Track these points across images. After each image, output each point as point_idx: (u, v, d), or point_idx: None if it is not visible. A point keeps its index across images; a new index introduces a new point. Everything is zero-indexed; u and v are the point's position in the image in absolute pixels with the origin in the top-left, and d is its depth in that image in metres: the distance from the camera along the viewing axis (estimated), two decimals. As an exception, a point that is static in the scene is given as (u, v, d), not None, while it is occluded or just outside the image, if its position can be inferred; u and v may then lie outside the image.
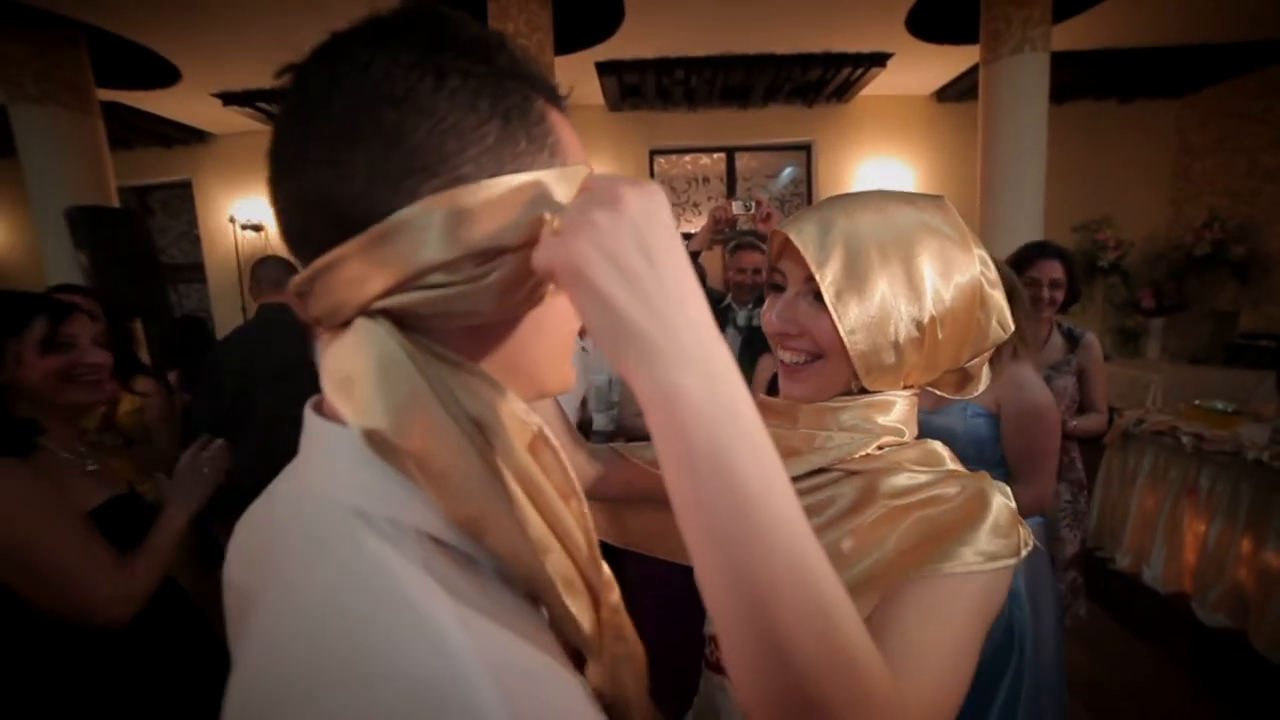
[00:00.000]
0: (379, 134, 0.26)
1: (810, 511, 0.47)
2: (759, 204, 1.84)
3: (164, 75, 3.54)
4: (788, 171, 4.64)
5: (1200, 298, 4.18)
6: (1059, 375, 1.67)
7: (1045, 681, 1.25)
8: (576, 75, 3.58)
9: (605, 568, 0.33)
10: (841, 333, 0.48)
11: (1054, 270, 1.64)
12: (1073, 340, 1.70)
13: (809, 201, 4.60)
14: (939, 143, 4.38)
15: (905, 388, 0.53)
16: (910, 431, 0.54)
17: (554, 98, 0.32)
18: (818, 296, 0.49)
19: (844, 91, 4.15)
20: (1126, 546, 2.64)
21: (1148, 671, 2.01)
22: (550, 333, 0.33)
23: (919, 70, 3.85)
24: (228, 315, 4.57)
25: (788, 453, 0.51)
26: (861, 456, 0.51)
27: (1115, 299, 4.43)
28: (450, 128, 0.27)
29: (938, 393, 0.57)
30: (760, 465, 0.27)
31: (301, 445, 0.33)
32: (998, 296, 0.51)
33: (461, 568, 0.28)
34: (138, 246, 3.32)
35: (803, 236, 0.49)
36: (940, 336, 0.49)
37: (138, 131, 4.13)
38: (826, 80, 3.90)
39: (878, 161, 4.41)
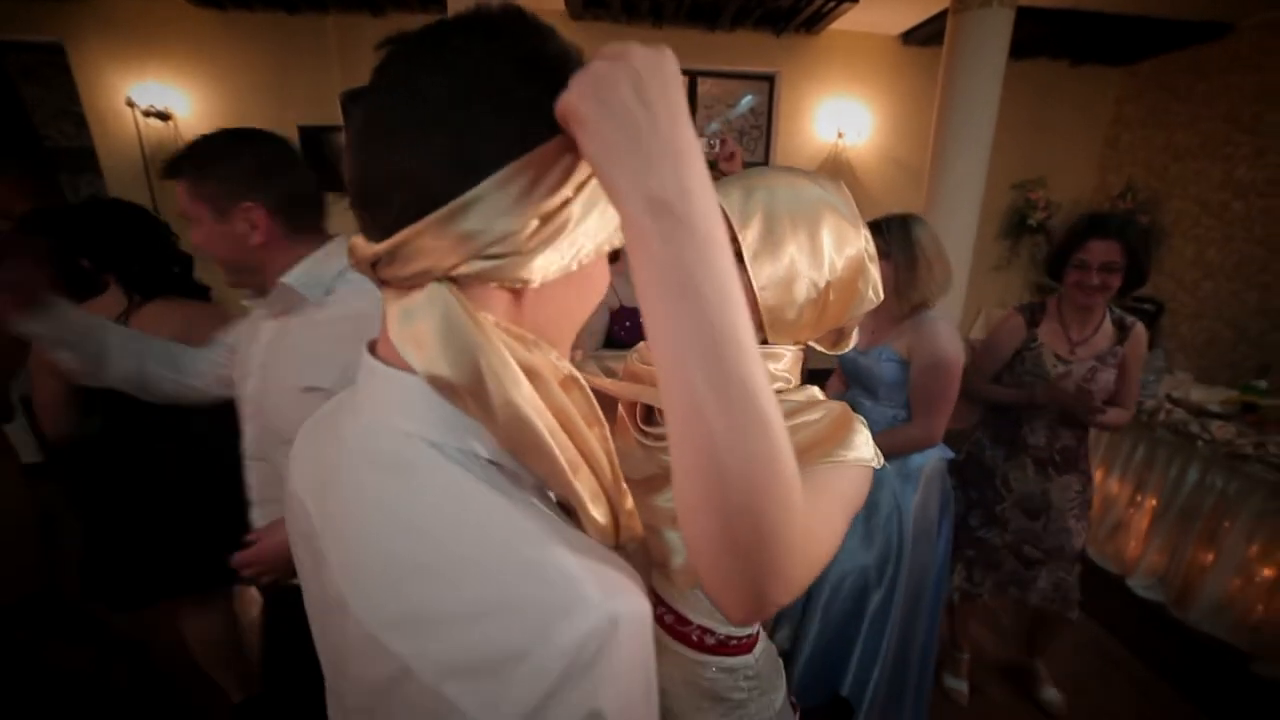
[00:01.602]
0: (471, 124, 0.31)
1: None
2: (723, 142, 1.83)
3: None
4: (746, 100, 4.53)
5: (1106, 261, 4.59)
6: (1104, 367, 1.52)
7: (922, 596, 1.48)
8: (536, -28, 3.25)
9: (622, 480, 0.39)
10: (755, 288, 0.55)
11: (1108, 252, 1.42)
12: (1123, 330, 1.54)
13: (768, 134, 4.55)
14: (900, 86, 4.39)
15: (795, 343, 0.62)
16: (795, 380, 0.63)
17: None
18: (736, 256, 0.55)
19: (814, 23, 4.02)
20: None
21: None
22: (575, 301, 0.40)
23: (889, 9, 3.77)
24: (132, 215, 4.08)
25: None
26: None
27: (1037, 256, 4.78)
28: (528, 122, 0.32)
29: (822, 350, 0.67)
30: (723, 293, 0.29)
31: (360, 385, 0.39)
32: (874, 270, 0.61)
33: (512, 482, 0.35)
34: (12, 124, 2.85)
35: (728, 200, 0.56)
36: (831, 299, 0.58)
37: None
38: (798, 9, 3.76)
39: (839, 100, 4.38)
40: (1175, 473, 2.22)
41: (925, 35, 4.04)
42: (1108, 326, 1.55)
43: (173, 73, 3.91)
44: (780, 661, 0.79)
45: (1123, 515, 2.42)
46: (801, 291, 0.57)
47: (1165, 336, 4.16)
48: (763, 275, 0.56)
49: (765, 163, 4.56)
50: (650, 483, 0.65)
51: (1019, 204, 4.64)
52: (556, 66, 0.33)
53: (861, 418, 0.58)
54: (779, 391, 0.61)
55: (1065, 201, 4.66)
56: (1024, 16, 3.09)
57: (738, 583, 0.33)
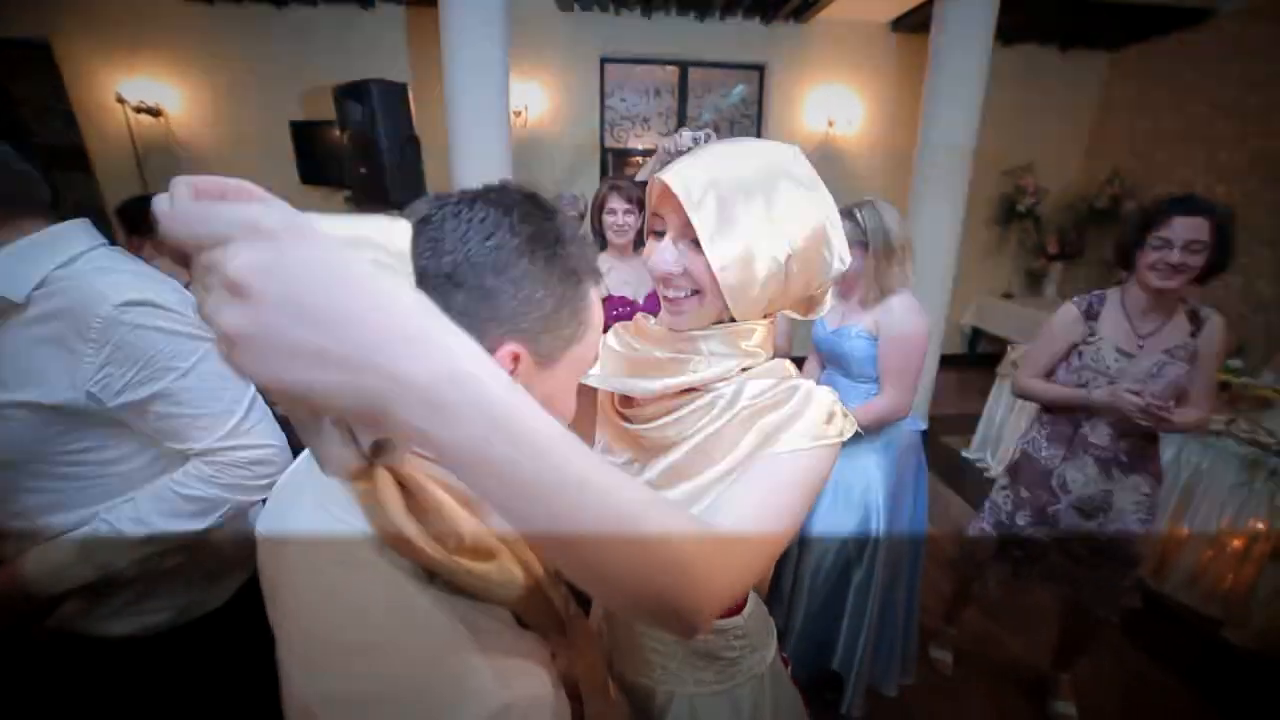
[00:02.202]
0: (479, 289, 0.40)
1: (696, 418, 0.61)
2: (709, 138, 1.87)
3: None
4: (737, 90, 4.55)
5: (1095, 246, 4.64)
6: (1173, 362, 1.37)
7: (901, 564, 1.56)
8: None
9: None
10: (715, 269, 0.56)
11: (1196, 229, 1.27)
12: (1197, 322, 1.39)
13: (758, 123, 4.57)
14: (890, 74, 4.41)
15: (765, 316, 0.63)
16: (767, 353, 0.64)
17: (597, 278, 0.49)
18: (695, 241, 0.56)
19: (803, 11, 4.03)
20: (1000, 457, 3.11)
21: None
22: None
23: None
24: (124, 212, 4.08)
25: (658, 372, 0.63)
26: (727, 378, 0.62)
27: (1026, 242, 4.83)
28: (526, 298, 0.41)
29: (796, 317, 0.69)
30: (519, 445, 0.27)
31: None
32: (837, 237, 0.61)
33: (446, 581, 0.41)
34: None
35: (680, 184, 0.55)
36: (794, 270, 0.58)
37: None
38: (784, 1, 3.77)
39: (829, 88, 4.40)
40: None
41: (914, 23, 4.06)
42: (1180, 318, 1.39)
43: (163, 68, 3.90)
44: (771, 621, 0.83)
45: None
46: (762, 268, 0.56)
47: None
48: (721, 256, 0.55)
49: (757, 152, 4.58)
50: (630, 466, 0.68)
51: (1009, 190, 4.69)
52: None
53: (831, 390, 0.61)
54: (746, 369, 0.62)
55: (1054, 187, 4.71)
56: (1011, 3, 3.12)
57: (667, 625, 0.37)
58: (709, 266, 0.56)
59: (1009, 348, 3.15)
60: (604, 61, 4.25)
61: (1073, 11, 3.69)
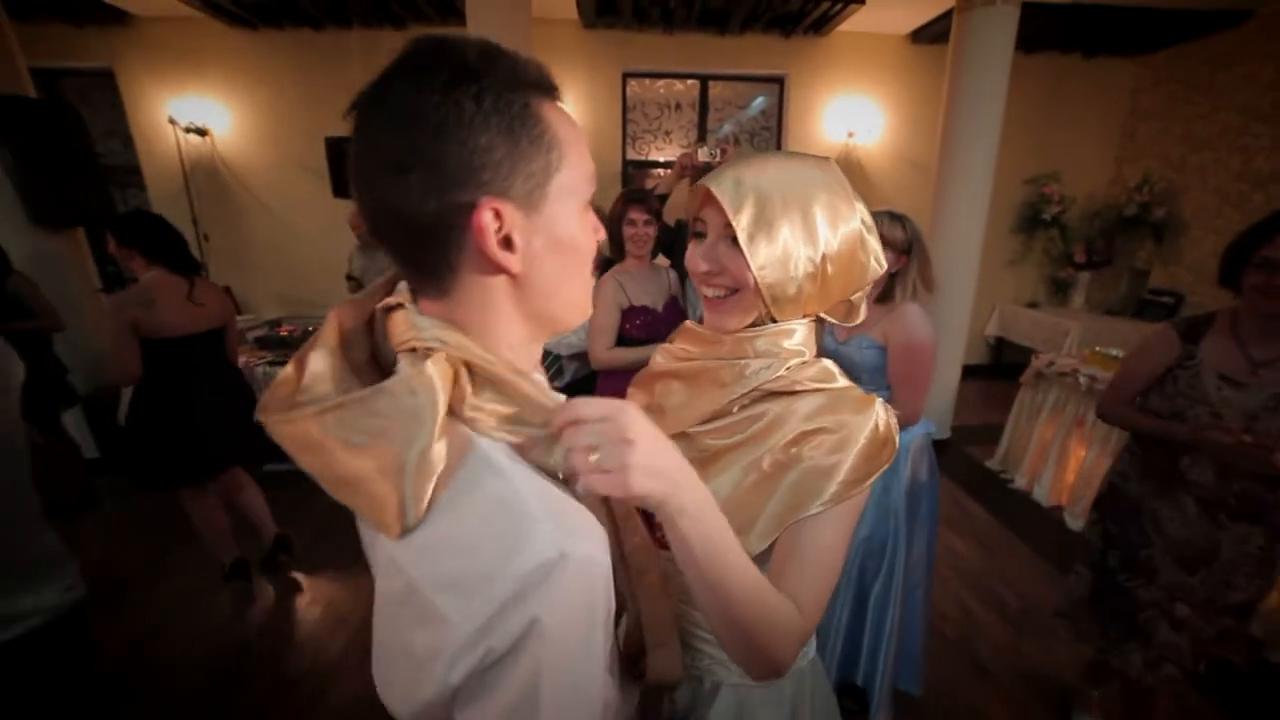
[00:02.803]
0: (425, 161, 0.38)
1: (737, 429, 0.64)
2: (724, 151, 1.93)
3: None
4: (758, 102, 4.60)
5: (1124, 254, 4.54)
6: None
7: (915, 569, 1.56)
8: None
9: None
10: (753, 269, 0.58)
11: None
12: None
13: (778, 134, 4.61)
14: (910, 85, 4.42)
15: (804, 316, 0.64)
16: (810, 352, 0.65)
17: (548, 91, 0.43)
18: (734, 240, 0.59)
19: (821, 25, 4.08)
20: (1025, 469, 3.05)
21: (1022, 564, 2.44)
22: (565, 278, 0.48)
23: (897, 9, 3.81)
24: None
25: (720, 386, 0.64)
26: (774, 379, 0.63)
27: (1052, 251, 4.75)
28: (474, 149, 0.38)
29: (834, 322, 0.70)
30: (719, 551, 0.48)
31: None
32: (874, 240, 0.64)
33: (517, 453, 0.45)
34: (74, 144, 3.06)
35: (721, 189, 0.59)
36: (830, 272, 0.61)
37: (36, 3, 3.65)
38: (806, 11, 3.83)
39: (848, 99, 4.42)
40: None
41: (934, 34, 4.07)
42: None
43: (211, 90, 4.14)
44: None
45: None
46: (799, 267, 0.59)
47: (1186, 329, 4.10)
48: (760, 256, 0.58)
49: (776, 163, 4.62)
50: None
51: (1032, 199, 4.63)
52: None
53: (886, 406, 0.62)
54: (798, 365, 0.64)
55: (1080, 195, 4.63)
56: (1033, 11, 3.12)
57: (754, 668, 0.54)
58: (748, 265, 0.58)
59: (1033, 357, 3.10)
60: (626, 76, 4.36)
61: (1098, 18, 3.66)
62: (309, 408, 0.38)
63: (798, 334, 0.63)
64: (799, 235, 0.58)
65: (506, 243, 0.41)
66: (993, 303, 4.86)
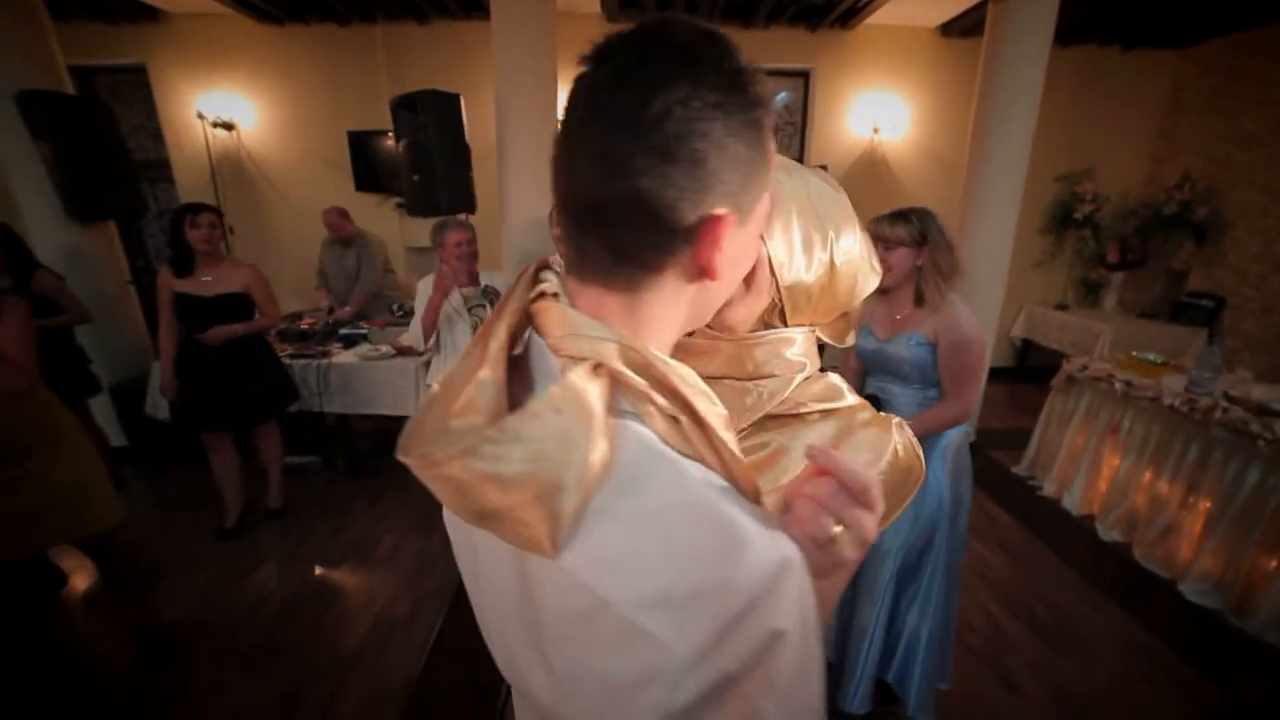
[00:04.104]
0: (690, 159, 0.36)
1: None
2: None
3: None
4: (781, 96, 4.53)
5: (1160, 255, 4.39)
6: None
7: (953, 570, 1.53)
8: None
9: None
10: (774, 264, 0.55)
11: None
12: None
13: (802, 130, 4.53)
14: (939, 78, 4.30)
15: (809, 325, 0.60)
16: (813, 364, 0.60)
17: (770, 106, 0.42)
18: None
19: (849, 18, 3.99)
20: (1054, 476, 2.97)
21: (1051, 575, 2.37)
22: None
23: (927, 1, 3.71)
24: (199, 219, 4.39)
25: (734, 412, 0.57)
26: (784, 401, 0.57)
27: (1083, 251, 4.61)
28: (728, 155, 0.37)
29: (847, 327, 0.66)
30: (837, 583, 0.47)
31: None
32: (870, 248, 0.61)
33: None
34: (108, 141, 3.13)
35: None
36: (840, 273, 0.58)
37: (74, 2, 3.73)
38: (833, 4, 3.74)
39: (875, 94, 4.33)
40: (1233, 474, 2.13)
41: (965, 26, 3.96)
42: None
43: (238, 85, 4.19)
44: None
45: (1174, 518, 2.33)
46: (814, 269, 0.56)
47: (1227, 333, 3.96)
48: (779, 252, 0.55)
49: (801, 160, 4.55)
50: None
51: (1064, 197, 4.49)
52: None
53: (902, 427, 0.57)
54: (803, 381, 0.58)
55: (1114, 194, 4.48)
56: (1071, 1, 3.00)
57: None
58: (768, 260, 0.55)
59: (1064, 361, 3.01)
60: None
61: (1139, 8, 3.52)
62: (451, 448, 0.33)
63: (798, 343, 0.59)
64: (811, 221, 0.56)
65: (722, 251, 0.40)
66: (1019, 304, 4.73)
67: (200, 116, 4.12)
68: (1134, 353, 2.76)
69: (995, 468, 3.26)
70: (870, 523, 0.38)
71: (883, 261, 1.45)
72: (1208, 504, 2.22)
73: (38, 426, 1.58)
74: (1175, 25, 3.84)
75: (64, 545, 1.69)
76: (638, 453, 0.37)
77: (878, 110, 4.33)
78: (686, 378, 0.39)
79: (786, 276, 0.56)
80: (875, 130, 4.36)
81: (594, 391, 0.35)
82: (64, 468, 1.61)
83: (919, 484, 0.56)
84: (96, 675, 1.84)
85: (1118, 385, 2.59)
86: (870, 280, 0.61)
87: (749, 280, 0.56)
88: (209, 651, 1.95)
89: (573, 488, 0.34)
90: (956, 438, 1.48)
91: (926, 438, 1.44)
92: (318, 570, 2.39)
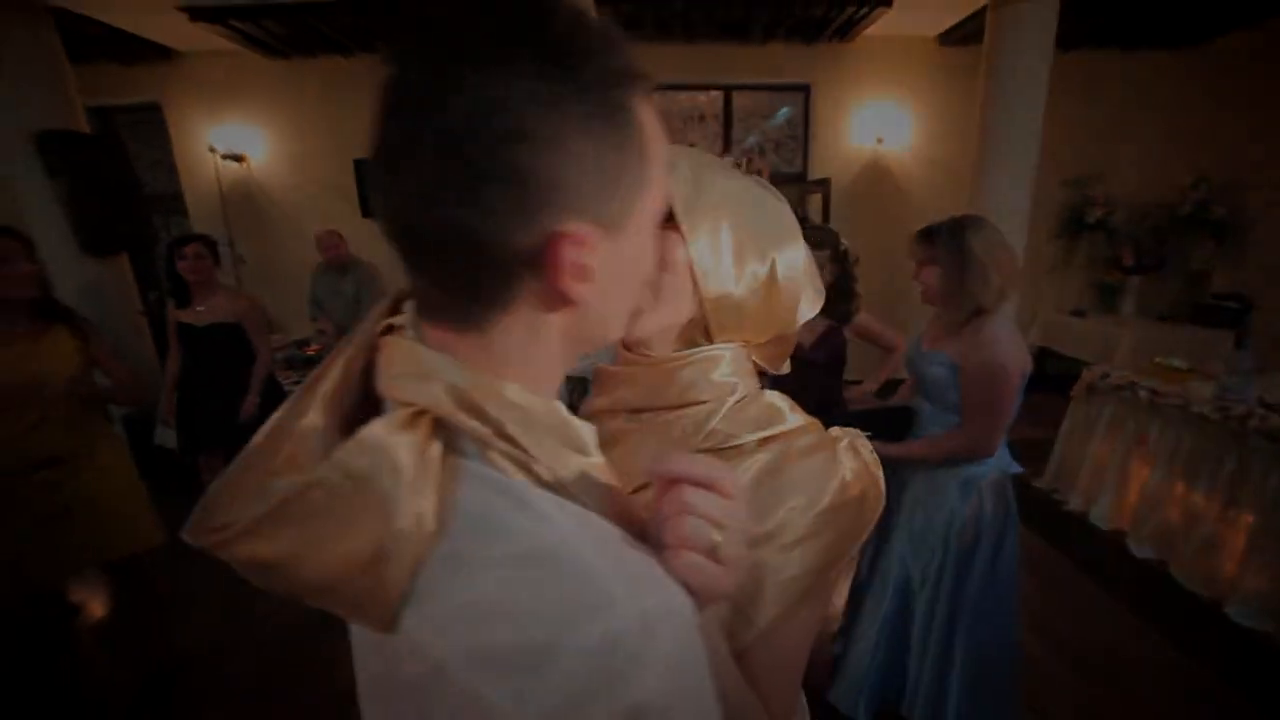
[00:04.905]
0: (504, 173, 0.28)
1: None
2: (749, 161, 1.86)
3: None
4: (783, 112, 4.53)
5: (1178, 257, 4.27)
6: None
7: (991, 619, 1.40)
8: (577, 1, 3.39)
9: None
10: (696, 270, 0.48)
11: None
12: None
13: (804, 144, 4.52)
14: (940, 88, 4.28)
15: (741, 343, 0.53)
16: (746, 386, 0.53)
17: (644, 84, 0.33)
18: (666, 213, 0.47)
19: (846, 30, 3.99)
20: (1079, 490, 2.85)
21: (1084, 596, 2.25)
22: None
23: (925, 11, 3.71)
24: (211, 249, 4.48)
25: (662, 449, 0.51)
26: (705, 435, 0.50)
27: (1098, 255, 4.50)
28: (568, 157, 0.29)
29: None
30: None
31: None
32: (814, 271, 0.55)
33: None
34: (119, 176, 3.20)
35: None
36: (781, 283, 0.51)
37: (91, 44, 3.86)
38: (830, 18, 3.75)
39: (876, 105, 4.31)
40: (1276, 485, 2.02)
41: (964, 34, 3.94)
42: None
43: (247, 118, 4.31)
44: None
45: (1213, 532, 2.21)
46: (746, 278, 0.50)
47: (1255, 335, 3.81)
48: (700, 248, 0.48)
49: (804, 174, 4.53)
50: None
51: (1074, 201, 4.40)
52: None
53: (857, 446, 0.51)
54: (735, 404, 0.51)
55: (1125, 195, 4.39)
56: (1067, 4, 2.97)
57: None
58: (682, 241, 0.48)
59: (1084, 369, 2.91)
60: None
61: (1136, 10, 3.48)
62: (252, 519, 0.28)
63: (726, 361, 0.52)
64: (745, 232, 0.49)
65: (580, 272, 0.32)
66: (1034, 311, 4.62)
67: (211, 150, 4.22)
68: (1157, 358, 2.66)
69: (1015, 482, 3.15)
70: (743, 512, 0.35)
71: (915, 279, 1.41)
72: (1250, 518, 2.10)
73: (85, 438, 1.63)
74: (1175, 25, 3.79)
75: (97, 567, 1.73)
76: (481, 497, 0.31)
77: (880, 121, 4.31)
78: (538, 416, 0.33)
79: (711, 286, 0.49)
80: (878, 141, 4.34)
81: (404, 444, 0.29)
82: (106, 480, 1.65)
83: (878, 509, 0.49)
84: (99, 704, 1.81)
85: (1142, 393, 2.49)
86: (813, 303, 0.54)
87: (659, 287, 0.49)
88: (208, 682, 1.91)
89: (397, 552, 0.29)
90: (991, 475, 1.36)
91: (946, 466, 1.37)
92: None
